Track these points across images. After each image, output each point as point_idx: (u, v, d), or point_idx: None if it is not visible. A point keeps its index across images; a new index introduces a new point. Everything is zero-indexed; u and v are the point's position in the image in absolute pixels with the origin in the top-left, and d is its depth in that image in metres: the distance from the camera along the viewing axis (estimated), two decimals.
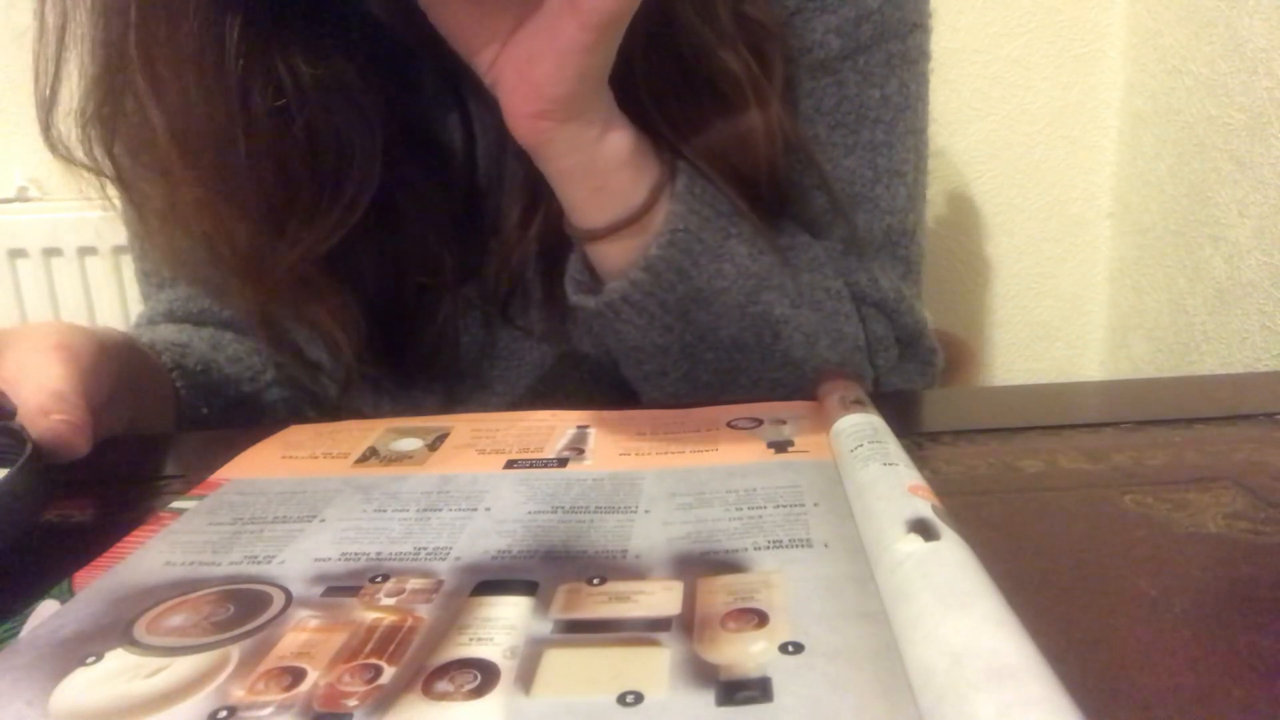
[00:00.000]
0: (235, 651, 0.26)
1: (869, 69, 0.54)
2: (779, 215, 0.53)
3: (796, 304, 0.51)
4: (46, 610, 0.29)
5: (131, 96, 0.45)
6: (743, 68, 0.49)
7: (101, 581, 0.31)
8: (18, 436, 0.35)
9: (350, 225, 0.48)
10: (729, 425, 0.41)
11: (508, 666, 0.25)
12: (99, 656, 0.26)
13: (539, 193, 0.51)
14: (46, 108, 0.47)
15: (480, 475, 0.38)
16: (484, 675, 0.24)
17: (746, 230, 0.49)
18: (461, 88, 0.53)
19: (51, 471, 0.36)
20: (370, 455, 0.41)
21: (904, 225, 0.58)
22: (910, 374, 0.59)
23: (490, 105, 0.48)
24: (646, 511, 0.33)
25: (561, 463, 0.38)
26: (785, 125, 0.50)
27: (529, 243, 0.53)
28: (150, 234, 0.53)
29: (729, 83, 0.49)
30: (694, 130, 0.49)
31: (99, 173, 0.49)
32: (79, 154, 0.48)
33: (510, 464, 0.39)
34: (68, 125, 0.48)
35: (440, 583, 0.29)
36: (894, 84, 0.55)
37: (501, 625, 0.27)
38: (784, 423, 0.41)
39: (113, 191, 0.51)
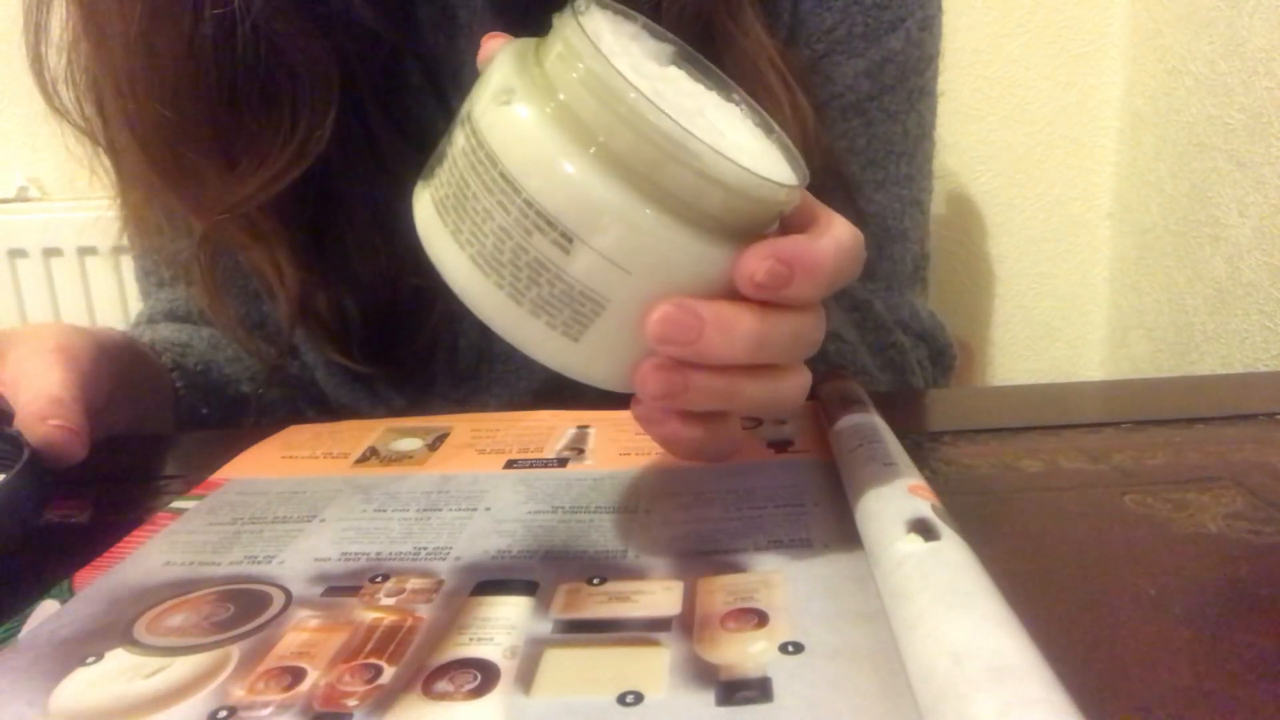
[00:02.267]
0: (235, 651, 0.26)
1: (893, 107, 0.55)
2: None
3: (878, 374, 0.53)
4: (46, 610, 0.29)
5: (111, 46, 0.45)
6: (781, 84, 0.49)
7: (101, 581, 0.31)
8: (15, 442, 0.35)
9: (299, 171, 0.48)
10: None
11: (508, 666, 0.25)
12: (99, 656, 0.26)
13: None
14: (36, 44, 0.47)
15: (480, 475, 0.38)
16: (484, 675, 0.24)
17: (835, 322, 0.50)
18: (447, 87, 0.53)
19: (48, 477, 0.36)
20: (370, 455, 0.41)
21: (925, 250, 0.60)
22: (938, 381, 0.61)
23: None
24: (646, 511, 0.33)
25: (561, 463, 0.38)
26: (824, 144, 0.51)
27: None
28: (127, 208, 0.52)
29: (766, 97, 0.49)
30: None
31: (85, 131, 0.49)
32: (70, 108, 0.48)
33: (510, 464, 0.39)
34: (59, 69, 0.48)
35: (440, 583, 0.29)
36: (913, 118, 0.56)
37: (501, 625, 0.27)
38: (784, 423, 0.41)
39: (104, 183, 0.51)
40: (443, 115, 0.53)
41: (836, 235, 0.29)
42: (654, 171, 0.25)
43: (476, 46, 0.52)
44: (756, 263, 0.27)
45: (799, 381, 0.30)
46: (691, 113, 0.28)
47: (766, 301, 0.27)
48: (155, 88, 0.46)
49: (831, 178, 0.53)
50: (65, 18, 0.47)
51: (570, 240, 0.25)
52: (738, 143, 0.28)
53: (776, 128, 0.30)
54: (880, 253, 0.57)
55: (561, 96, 0.26)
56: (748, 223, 0.27)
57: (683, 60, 0.30)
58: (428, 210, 0.28)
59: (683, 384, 0.28)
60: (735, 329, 0.27)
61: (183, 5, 0.44)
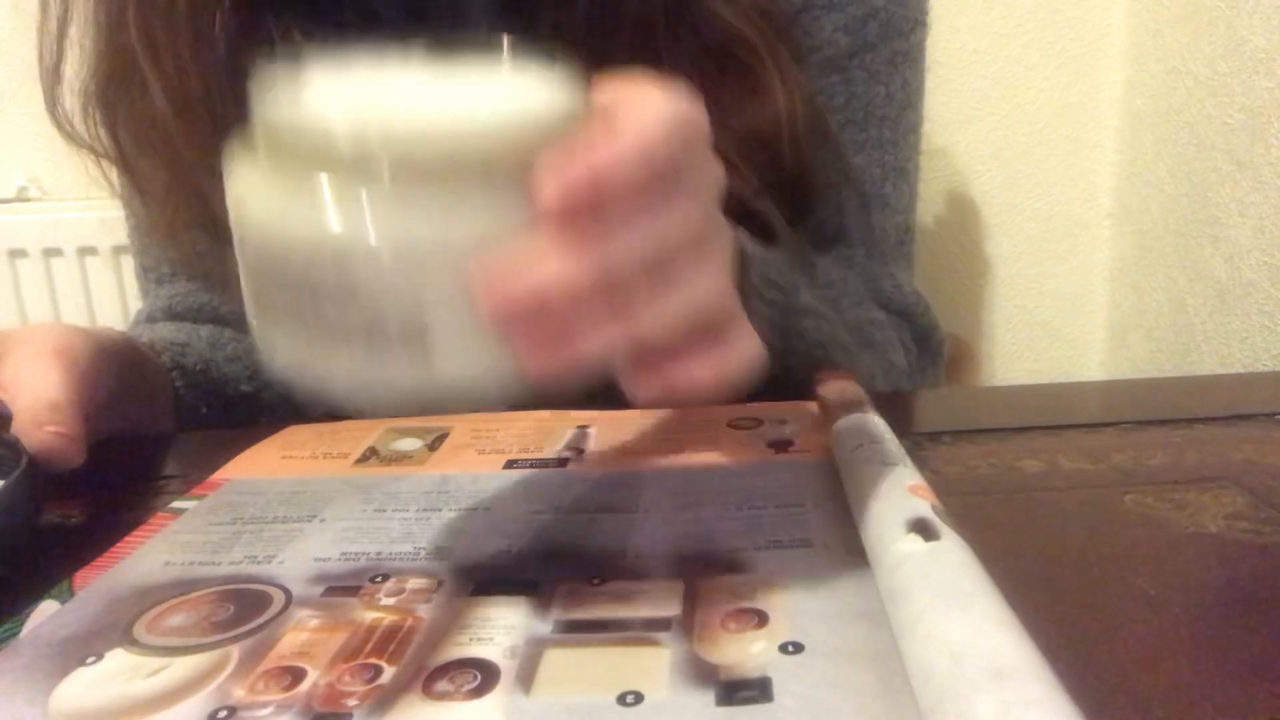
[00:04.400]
0: (235, 651, 0.26)
1: (875, 67, 0.55)
2: (808, 210, 0.54)
3: (857, 352, 0.52)
4: (46, 610, 0.29)
5: (134, 72, 0.46)
6: (763, 41, 0.49)
7: (101, 581, 0.31)
8: (13, 447, 0.35)
9: None
10: (729, 425, 0.41)
11: (508, 666, 0.25)
12: (99, 656, 0.26)
13: None
14: (51, 86, 0.47)
15: (480, 475, 0.38)
16: (484, 675, 0.24)
17: (809, 299, 0.49)
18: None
19: (45, 482, 0.36)
20: (370, 455, 0.41)
21: (908, 222, 0.59)
22: (926, 369, 0.60)
23: None
24: (646, 511, 0.33)
25: (561, 463, 0.38)
26: (808, 97, 0.51)
27: None
28: (152, 221, 0.53)
29: (751, 56, 0.49)
30: (720, 107, 0.49)
31: (103, 154, 0.49)
32: (85, 135, 0.49)
33: (510, 464, 0.39)
34: (73, 106, 0.49)
35: (440, 583, 0.29)
36: (898, 81, 0.56)
37: (501, 625, 0.27)
38: (784, 423, 0.41)
39: (116, 180, 0.52)
40: None
41: (640, 114, 0.24)
42: (358, 152, 0.23)
43: (483, 30, 0.53)
44: (548, 187, 0.23)
45: (714, 276, 0.26)
46: (388, 86, 0.25)
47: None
48: (201, 139, 0.47)
49: (818, 135, 0.53)
50: (86, 60, 0.48)
51: (344, 259, 0.23)
52: (455, 89, 0.25)
53: (543, 65, 0.26)
54: (859, 218, 0.57)
55: (261, 149, 0.25)
56: (506, 152, 0.23)
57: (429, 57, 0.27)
58: (259, 331, 0.26)
59: (559, 334, 0.23)
60: (571, 247, 0.23)
61: (223, 71, 0.45)
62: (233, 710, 0.24)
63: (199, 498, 0.37)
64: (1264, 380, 0.62)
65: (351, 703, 0.24)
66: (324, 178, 0.23)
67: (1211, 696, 0.23)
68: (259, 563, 0.31)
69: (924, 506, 0.27)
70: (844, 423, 0.36)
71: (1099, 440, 0.39)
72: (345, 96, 0.25)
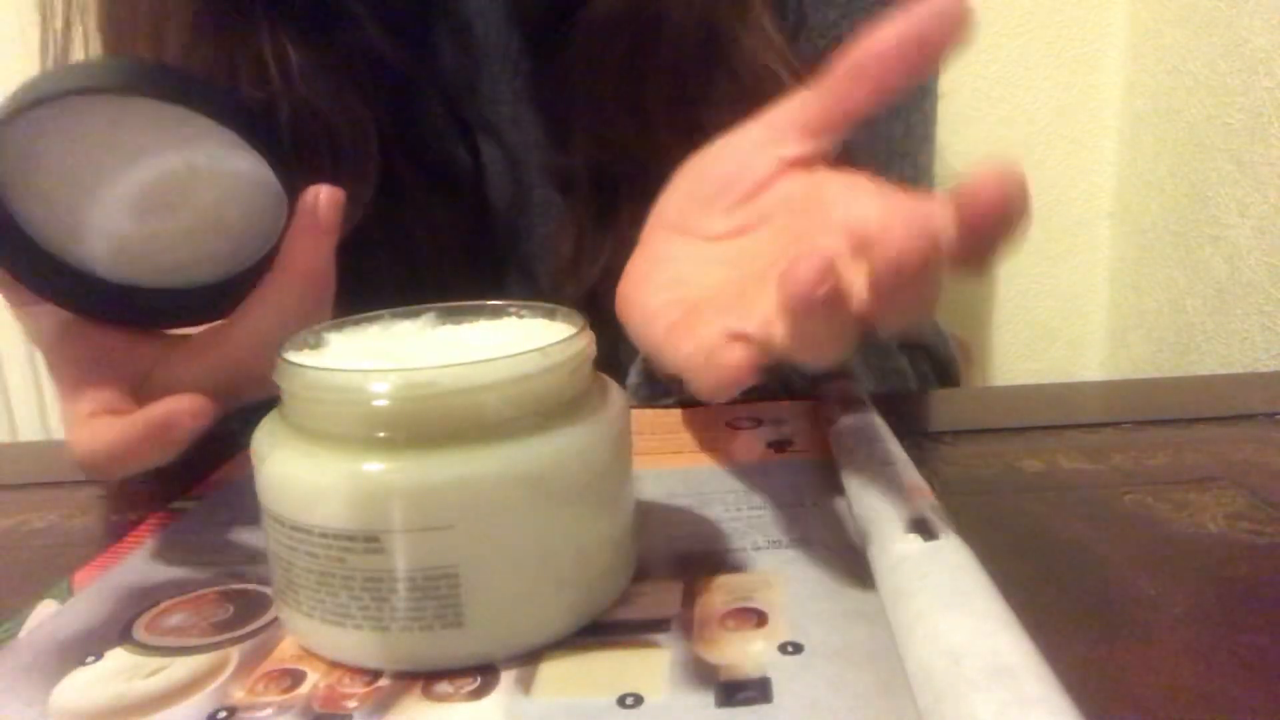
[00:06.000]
0: (235, 653, 0.26)
1: (896, 101, 0.54)
2: None
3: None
4: (46, 610, 0.29)
5: None
6: (792, 77, 0.49)
7: (101, 581, 0.31)
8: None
9: (347, 230, 0.49)
10: (728, 425, 0.41)
11: (507, 668, 0.25)
12: (98, 656, 0.26)
13: (583, 242, 0.52)
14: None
15: None
16: (484, 676, 0.24)
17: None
18: (467, 118, 0.54)
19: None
20: None
21: None
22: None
23: (495, 133, 0.48)
24: (646, 511, 0.33)
25: None
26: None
27: (580, 287, 0.52)
28: None
29: (776, 89, 0.49)
30: None
31: None
32: None
33: None
34: None
35: None
36: (917, 116, 0.56)
37: None
38: (784, 422, 0.41)
39: None
40: (460, 139, 0.54)
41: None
42: (400, 422, 0.24)
43: (492, 60, 0.53)
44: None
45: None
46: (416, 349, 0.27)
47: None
48: None
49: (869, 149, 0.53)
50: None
51: (378, 539, 0.24)
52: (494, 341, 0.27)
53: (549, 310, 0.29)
54: None
55: (287, 418, 0.26)
56: (555, 395, 0.25)
57: (453, 313, 0.29)
58: (283, 613, 0.27)
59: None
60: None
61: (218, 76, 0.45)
62: (232, 711, 0.24)
63: (199, 498, 0.37)
64: (1264, 380, 0.62)
65: (351, 704, 0.24)
66: (349, 462, 0.24)
67: (1211, 696, 0.23)
68: (259, 563, 0.31)
69: (923, 506, 0.27)
70: (844, 423, 0.36)
71: (1099, 440, 0.39)
72: (365, 355, 0.26)
